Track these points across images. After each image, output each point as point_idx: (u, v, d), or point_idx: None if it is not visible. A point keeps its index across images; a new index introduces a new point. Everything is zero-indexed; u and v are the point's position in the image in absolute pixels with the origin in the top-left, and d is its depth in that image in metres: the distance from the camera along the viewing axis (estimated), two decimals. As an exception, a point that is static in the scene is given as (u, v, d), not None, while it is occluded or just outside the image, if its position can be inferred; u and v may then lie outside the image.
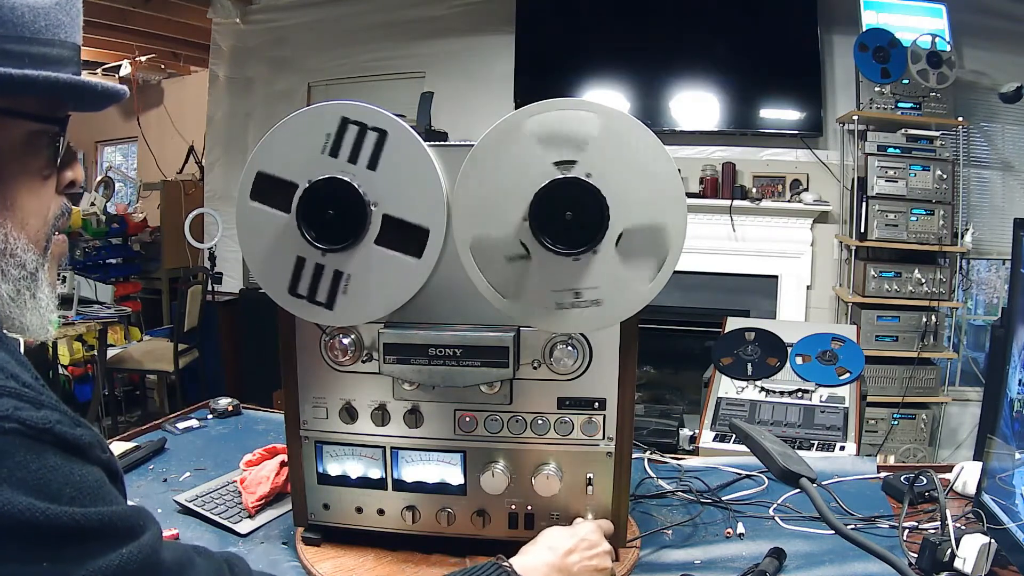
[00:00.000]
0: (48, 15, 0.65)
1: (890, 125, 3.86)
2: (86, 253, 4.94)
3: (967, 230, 3.87)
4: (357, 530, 1.15)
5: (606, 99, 3.38)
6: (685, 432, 2.83)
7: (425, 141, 1.01)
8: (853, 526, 1.26)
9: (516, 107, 1.10)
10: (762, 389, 2.77)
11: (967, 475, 1.36)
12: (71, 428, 0.58)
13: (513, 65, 4.33)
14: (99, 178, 5.80)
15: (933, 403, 3.82)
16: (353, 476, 1.13)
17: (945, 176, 3.75)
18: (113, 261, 5.29)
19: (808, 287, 4.20)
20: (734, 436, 2.42)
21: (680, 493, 1.39)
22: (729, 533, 1.25)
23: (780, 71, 4.13)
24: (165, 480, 1.41)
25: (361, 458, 1.13)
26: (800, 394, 2.72)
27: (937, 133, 3.81)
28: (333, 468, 1.14)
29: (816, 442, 2.52)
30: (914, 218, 3.76)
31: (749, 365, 2.83)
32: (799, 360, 2.81)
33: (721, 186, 4.17)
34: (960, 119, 3.83)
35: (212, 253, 4.70)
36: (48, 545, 0.54)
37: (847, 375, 2.74)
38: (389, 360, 1.04)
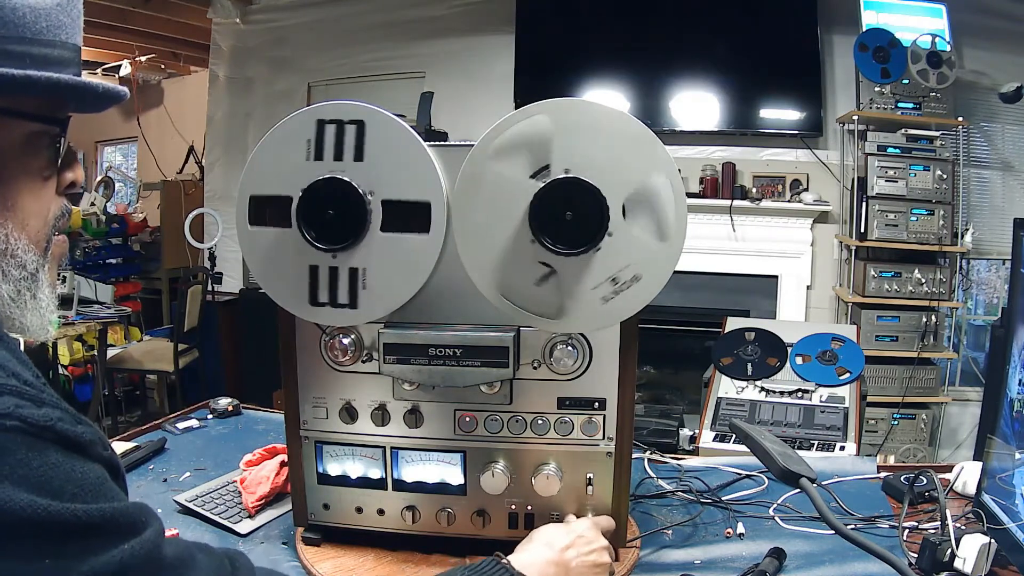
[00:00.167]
0: (49, 16, 0.65)
1: (890, 125, 3.86)
2: (86, 253, 4.93)
3: (967, 230, 3.87)
4: (357, 530, 1.15)
5: (606, 99, 3.39)
6: (685, 432, 2.83)
7: (425, 141, 1.01)
8: (853, 526, 1.25)
9: (516, 107, 1.09)
10: (762, 389, 2.77)
11: (967, 475, 1.36)
12: (72, 425, 0.59)
13: (513, 65, 4.33)
14: (99, 178, 5.80)
15: (933, 403, 3.82)
16: (353, 476, 1.13)
17: (945, 176, 3.75)
18: (113, 261, 5.29)
19: (808, 287, 4.20)
20: (734, 436, 2.42)
21: (680, 493, 1.39)
22: (729, 533, 1.25)
23: (780, 71, 4.13)
24: (165, 480, 1.41)
25: (361, 458, 1.12)
26: (800, 394, 2.72)
27: (937, 133, 3.81)
28: (333, 468, 1.14)
29: (816, 442, 2.52)
30: (914, 218, 3.76)
31: (749, 365, 2.83)
32: (799, 360, 2.81)
33: (721, 186, 4.17)
34: (960, 119, 3.83)
35: (212, 253, 4.70)
36: (50, 542, 0.54)
37: (847, 375, 2.74)
38: (389, 360, 1.04)
